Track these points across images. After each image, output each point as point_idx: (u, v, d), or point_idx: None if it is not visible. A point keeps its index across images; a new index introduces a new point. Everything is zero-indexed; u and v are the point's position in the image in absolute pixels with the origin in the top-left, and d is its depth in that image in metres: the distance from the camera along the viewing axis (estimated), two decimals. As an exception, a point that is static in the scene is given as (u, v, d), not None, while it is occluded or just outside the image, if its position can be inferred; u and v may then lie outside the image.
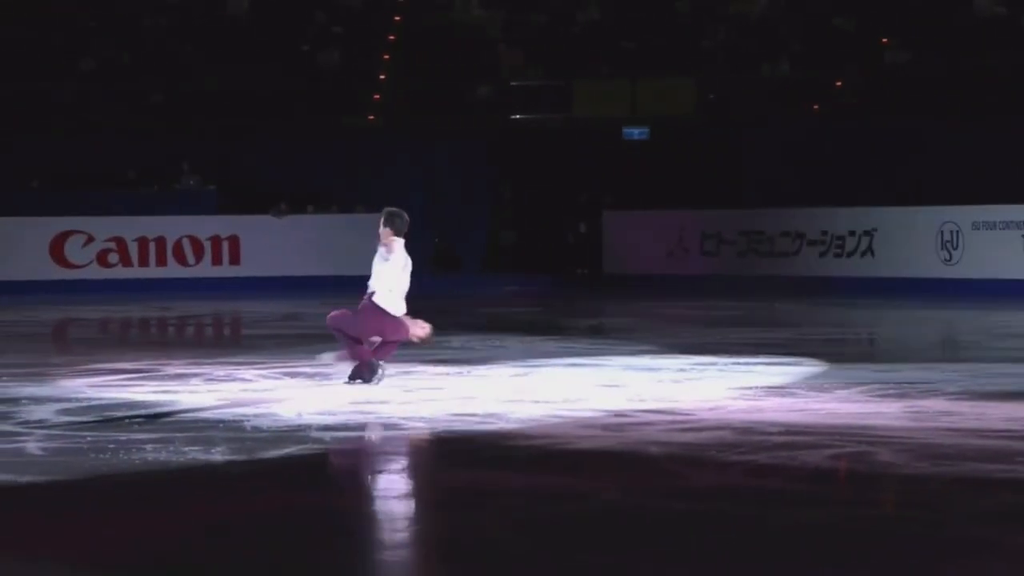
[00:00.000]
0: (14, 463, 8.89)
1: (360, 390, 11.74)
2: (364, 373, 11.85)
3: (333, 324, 11.98)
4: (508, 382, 12.50)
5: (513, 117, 27.66)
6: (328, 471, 9.20)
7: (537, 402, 11.28)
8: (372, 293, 11.95)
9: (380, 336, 12.01)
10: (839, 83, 26.50)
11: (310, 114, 27.22)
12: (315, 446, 9.62)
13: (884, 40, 26.61)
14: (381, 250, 12.04)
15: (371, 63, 28.27)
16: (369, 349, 11.95)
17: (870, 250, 23.95)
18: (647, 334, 17.06)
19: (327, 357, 11.94)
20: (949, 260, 23.04)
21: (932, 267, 23.14)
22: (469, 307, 20.67)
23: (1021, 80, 24.68)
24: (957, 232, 22.95)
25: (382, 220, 12.07)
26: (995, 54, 25.26)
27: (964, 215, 22.97)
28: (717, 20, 27.75)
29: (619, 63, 27.61)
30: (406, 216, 12.12)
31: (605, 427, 10.12)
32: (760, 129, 26.51)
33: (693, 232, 25.71)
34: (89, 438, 9.70)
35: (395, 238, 12.01)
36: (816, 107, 26.53)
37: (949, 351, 16.74)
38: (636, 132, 26.97)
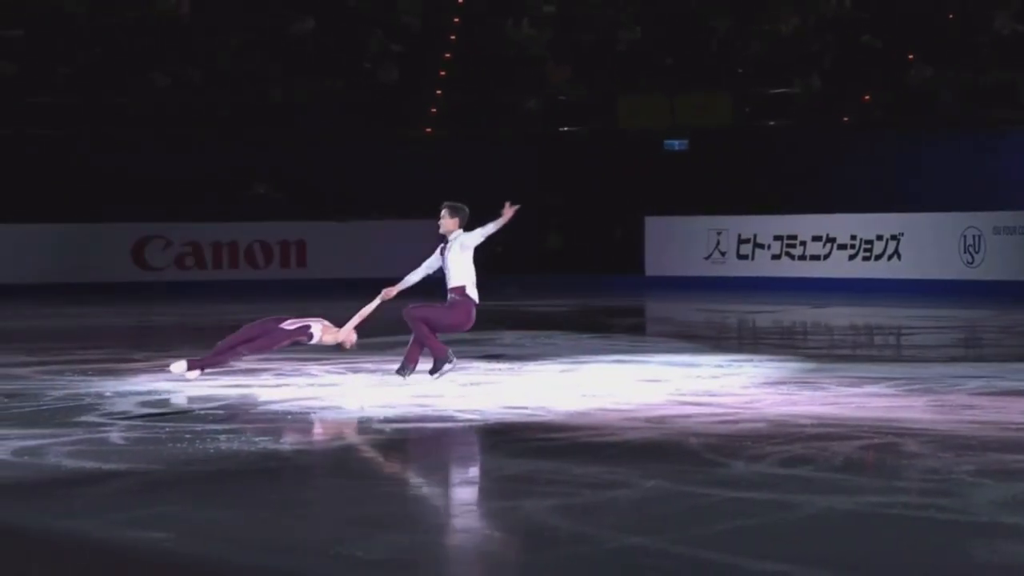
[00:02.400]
0: (99, 451, 8.96)
1: (419, 384, 11.76)
2: (443, 365, 11.88)
3: (419, 316, 11.89)
4: (557, 377, 12.50)
5: (561, 129, 27.64)
6: (388, 460, 9.22)
7: (584, 396, 11.26)
8: (463, 287, 11.90)
9: (458, 329, 12.01)
10: (867, 97, 26.36)
11: (371, 126, 27.29)
12: (376, 436, 9.64)
13: (909, 56, 26.46)
14: (464, 239, 11.93)
15: (428, 79, 28.31)
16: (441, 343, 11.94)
17: (897, 253, 23.82)
18: (687, 333, 17.02)
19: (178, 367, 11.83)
20: (972, 263, 22.88)
21: (955, 269, 22.99)
22: (519, 306, 20.67)
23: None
24: (979, 236, 22.80)
25: (448, 212, 11.99)
26: (1014, 70, 25.09)
27: (985, 220, 22.82)
28: (752, 37, 27.65)
29: (660, 78, 27.55)
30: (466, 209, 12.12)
31: (647, 419, 10.10)
32: (793, 140, 26.39)
33: (730, 236, 25.63)
34: (167, 428, 9.76)
35: (460, 229, 12.00)
36: (846, 119, 26.40)
37: (971, 349, 16.62)
38: (676, 143, 26.91)
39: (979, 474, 7.94)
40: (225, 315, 20.43)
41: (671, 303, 22.35)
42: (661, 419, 10.08)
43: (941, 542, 6.65)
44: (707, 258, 25.71)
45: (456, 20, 29.44)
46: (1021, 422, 9.71)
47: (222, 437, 9.34)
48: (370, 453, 9.17)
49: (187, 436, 9.40)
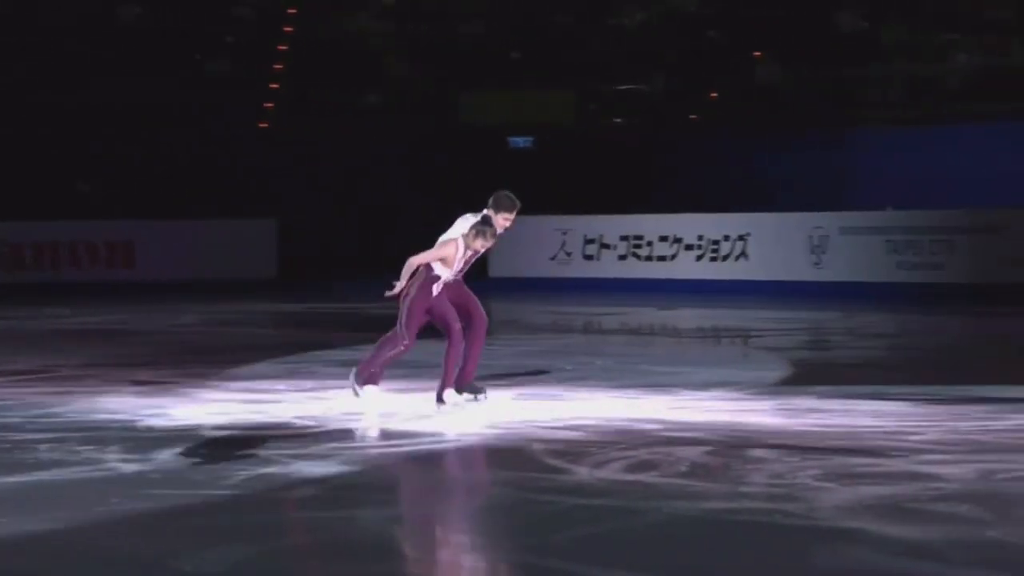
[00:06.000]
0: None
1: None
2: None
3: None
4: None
5: (402, 125, 27.56)
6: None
7: (425, 401, 11.14)
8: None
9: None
10: (714, 94, 26.71)
11: (204, 120, 27.00)
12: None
13: (756, 54, 26.86)
14: None
15: (262, 72, 28.09)
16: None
17: (744, 254, 24.14)
18: (533, 335, 17.04)
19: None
20: (818, 263, 23.30)
21: (802, 270, 23.38)
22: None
23: (879, 92, 25.08)
24: (826, 236, 23.22)
25: None
26: (857, 67, 25.63)
27: (832, 220, 23.25)
28: (595, 33, 27.86)
29: (503, 74, 27.62)
30: None
31: (487, 424, 10.08)
32: (639, 138, 26.63)
33: (575, 237, 25.76)
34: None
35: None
36: (692, 117, 26.72)
37: (818, 351, 16.87)
38: (521, 140, 27.00)
39: (824, 478, 8.07)
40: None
41: (515, 305, 22.38)
42: (502, 423, 10.07)
43: (786, 547, 6.75)
44: (552, 259, 25.82)
45: (292, 11, 29.24)
46: (868, 425, 9.88)
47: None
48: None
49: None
